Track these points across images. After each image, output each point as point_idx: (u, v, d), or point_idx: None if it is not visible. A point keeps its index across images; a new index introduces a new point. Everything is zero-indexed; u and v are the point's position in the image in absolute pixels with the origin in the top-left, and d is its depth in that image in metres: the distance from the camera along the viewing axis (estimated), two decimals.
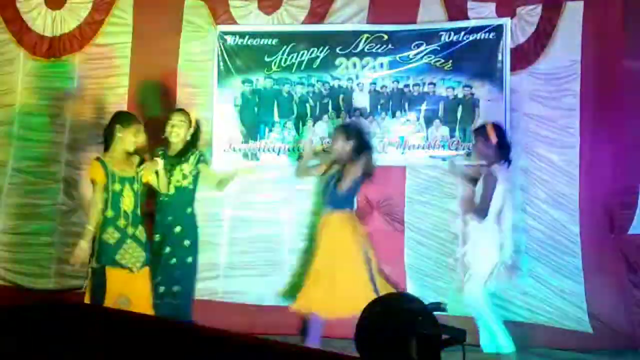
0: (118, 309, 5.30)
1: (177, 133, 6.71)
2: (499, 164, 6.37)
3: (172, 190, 6.60)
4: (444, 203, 7.14)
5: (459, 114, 7.08)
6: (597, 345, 6.56)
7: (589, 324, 6.75)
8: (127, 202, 6.10)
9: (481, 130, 6.55)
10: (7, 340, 1.85)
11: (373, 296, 4.93)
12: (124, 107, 7.51)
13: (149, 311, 5.96)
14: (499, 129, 6.52)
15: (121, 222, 6.04)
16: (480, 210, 6.29)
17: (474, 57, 7.05)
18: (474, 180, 6.54)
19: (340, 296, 6.23)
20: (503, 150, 6.45)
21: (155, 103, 7.51)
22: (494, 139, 6.42)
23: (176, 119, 6.75)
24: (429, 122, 7.13)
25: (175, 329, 2.09)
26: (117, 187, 6.07)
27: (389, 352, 3.02)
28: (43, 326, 1.87)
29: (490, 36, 7.03)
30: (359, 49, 7.23)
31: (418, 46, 7.14)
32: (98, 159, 6.12)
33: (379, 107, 7.20)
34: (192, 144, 6.78)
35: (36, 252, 7.62)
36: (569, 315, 6.80)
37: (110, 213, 6.02)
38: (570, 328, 6.76)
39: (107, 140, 6.19)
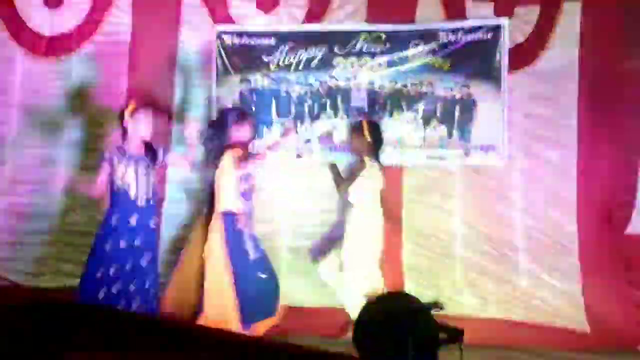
0: (113, 308, 5.28)
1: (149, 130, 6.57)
2: (370, 161, 6.46)
3: None
4: (441, 203, 7.15)
5: (456, 114, 7.09)
6: (595, 345, 6.56)
7: (586, 323, 6.76)
8: None
9: (357, 127, 6.60)
10: (4, 340, 1.85)
11: None
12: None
13: None
14: (374, 127, 6.60)
15: None
16: (342, 182, 6.46)
17: (472, 57, 7.06)
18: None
19: None
20: (376, 149, 6.59)
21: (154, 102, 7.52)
22: (368, 136, 6.50)
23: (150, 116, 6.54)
24: (426, 122, 7.13)
25: (171, 328, 2.09)
26: None
27: (387, 351, 3.04)
28: (40, 325, 1.87)
29: (489, 36, 7.03)
30: (357, 49, 7.24)
31: (416, 46, 7.15)
32: None
33: (376, 106, 7.20)
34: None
35: (34, 251, 7.63)
36: (566, 315, 6.81)
37: None
38: (567, 327, 6.76)
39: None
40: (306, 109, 7.30)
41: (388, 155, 7.04)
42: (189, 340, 1.99)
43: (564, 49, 6.99)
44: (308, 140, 7.24)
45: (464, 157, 7.03)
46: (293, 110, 7.31)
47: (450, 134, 7.08)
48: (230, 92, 7.35)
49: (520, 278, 6.96)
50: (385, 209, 6.59)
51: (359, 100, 7.22)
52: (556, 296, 6.87)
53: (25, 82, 7.75)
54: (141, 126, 6.34)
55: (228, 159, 6.16)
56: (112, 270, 6.09)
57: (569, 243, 6.90)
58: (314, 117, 7.28)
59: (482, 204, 7.10)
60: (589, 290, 6.79)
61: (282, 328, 6.24)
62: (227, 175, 6.16)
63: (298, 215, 7.31)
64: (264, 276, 6.12)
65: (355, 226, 6.39)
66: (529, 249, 6.97)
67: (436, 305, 4.45)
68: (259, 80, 7.36)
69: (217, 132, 6.34)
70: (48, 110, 7.68)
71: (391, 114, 7.15)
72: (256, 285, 6.07)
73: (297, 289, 6.92)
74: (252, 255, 6.11)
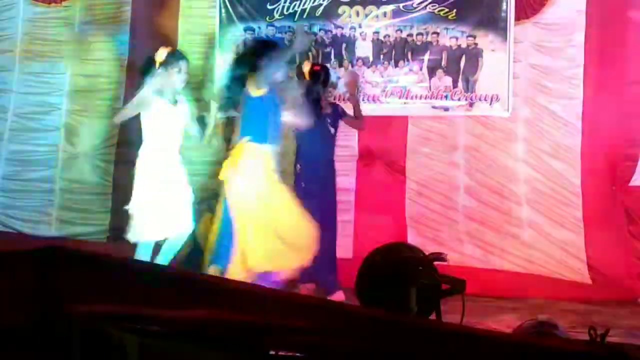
0: (123, 258, 5.26)
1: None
2: None
3: None
4: (445, 154, 7.14)
5: (462, 64, 7.04)
6: (596, 296, 6.59)
7: (588, 275, 6.78)
8: None
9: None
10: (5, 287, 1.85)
11: None
12: (125, 56, 7.51)
13: None
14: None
15: None
16: None
17: (478, 7, 6.99)
18: None
19: None
20: None
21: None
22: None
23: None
24: (432, 72, 7.09)
25: (178, 278, 2.09)
26: None
27: (389, 301, 3.05)
28: (41, 273, 1.87)
29: None
30: None
31: None
32: None
33: (381, 56, 7.16)
34: None
35: (37, 199, 7.66)
36: (568, 266, 6.83)
37: None
38: (570, 279, 6.79)
39: None
40: (310, 58, 7.24)
41: (392, 105, 7.02)
42: (195, 288, 1.98)
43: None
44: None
45: (468, 107, 7.01)
46: (297, 59, 7.25)
47: (455, 84, 7.04)
48: (233, 41, 7.30)
49: (523, 230, 6.97)
50: (389, 160, 6.58)
51: (364, 50, 7.17)
52: (558, 248, 6.88)
53: (27, 29, 7.70)
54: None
55: None
56: None
57: (572, 195, 6.89)
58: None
59: (485, 156, 7.08)
60: (592, 242, 6.81)
61: None
62: None
63: None
64: None
65: None
66: (532, 200, 6.97)
67: (439, 256, 4.46)
68: (262, 29, 7.31)
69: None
70: (50, 57, 7.66)
71: (396, 64, 7.10)
72: None
73: None
74: None
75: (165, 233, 5.95)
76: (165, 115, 5.92)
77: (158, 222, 5.90)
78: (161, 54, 5.96)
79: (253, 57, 5.84)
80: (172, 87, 5.98)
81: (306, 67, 6.53)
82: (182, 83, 6.04)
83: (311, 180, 6.39)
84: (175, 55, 6.06)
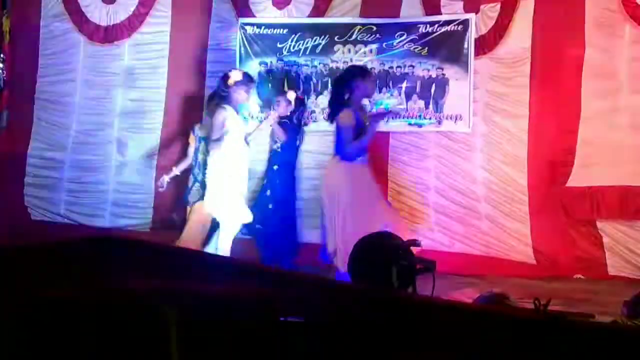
0: (163, 244, 5.26)
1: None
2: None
3: None
4: (419, 162, 7.13)
5: (432, 90, 7.03)
6: (540, 274, 6.58)
7: (533, 256, 6.77)
8: None
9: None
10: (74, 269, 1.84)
11: None
12: (164, 84, 7.51)
13: None
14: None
15: None
16: None
17: (445, 45, 6.97)
18: None
19: None
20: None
21: (189, 80, 7.51)
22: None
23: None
24: (408, 96, 7.07)
25: (201, 259, 2.08)
26: None
27: (376, 279, 3.04)
28: (104, 257, 1.86)
29: (459, 28, 6.95)
30: (353, 38, 7.16)
31: (400, 36, 7.07)
32: None
33: None
34: None
35: (94, 198, 7.66)
36: (517, 251, 6.82)
37: None
38: (518, 260, 6.78)
39: None
40: (312, 87, 7.25)
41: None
42: (244, 275, 1.97)
43: (519, 39, 6.91)
44: (313, 112, 7.21)
45: (437, 124, 7.00)
46: (301, 86, 7.25)
47: (427, 106, 7.03)
48: (250, 73, 7.27)
49: (481, 221, 6.96)
50: (374, 167, 6.55)
51: None
52: (510, 236, 6.87)
53: (85, 63, 7.70)
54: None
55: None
56: None
57: (520, 194, 6.88)
58: (318, 93, 7.23)
59: (451, 162, 7.07)
60: (536, 231, 6.79)
61: None
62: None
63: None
64: None
65: None
66: (489, 198, 6.96)
67: (414, 242, 4.45)
68: (273, 62, 7.30)
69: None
70: (105, 86, 7.67)
71: (380, 90, 7.08)
72: None
73: None
74: None
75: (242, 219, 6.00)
76: (239, 126, 6.08)
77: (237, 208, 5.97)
78: (237, 75, 6.10)
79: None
80: (243, 102, 6.17)
81: (292, 96, 6.60)
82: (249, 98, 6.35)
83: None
84: (248, 77, 6.27)
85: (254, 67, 7.27)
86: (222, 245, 5.94)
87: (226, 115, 5.98)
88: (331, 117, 5.87)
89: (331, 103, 5.98)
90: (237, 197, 6.06)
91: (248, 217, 6.13)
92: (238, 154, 6.07)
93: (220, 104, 6.04)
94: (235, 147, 6.03)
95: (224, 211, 6.00)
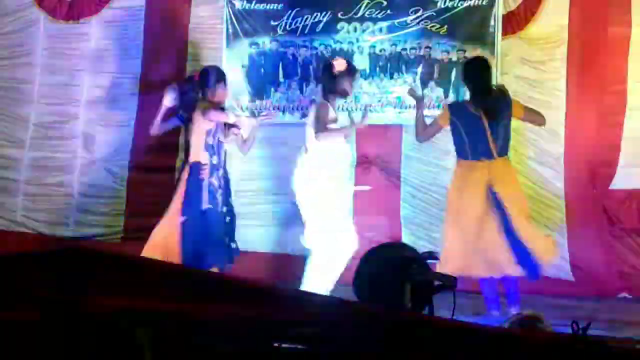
0: (136, 257, 5.28)
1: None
2: None
3: None
4: (437, 159, 7.13)
5: (452, 77, 7.04)
6: (578, 292, 6.59)
7: (571, 272, 6.77)
8: None
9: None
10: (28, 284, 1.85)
11: None
12: (138, 69, 7.51)
13: None
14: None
15: None
16: None
17: (467, 23, 6.99)
18: None
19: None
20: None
21: (168, 64, 7.51)
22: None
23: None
24: (424, 83, 7.09)
25: (187, 275, 2.09)
26: None
27: (385, 297, 3.05)
28: (60, 271, 1.87)
29: (484, 2, 6.96)
30: (359, 14, 7.17)
31: (415, 12, 7.08)
32: None
33: (377, 69, 7.15)
34: None
35: (56, 203, 7.66)
36: (552, 265, 6.81)
37: None
38: (553, 276, 6.77)
39: None
40: (311, 71, 7.25)
41: (388, 115, 7.04)
42: (214, 288, 1.98)
43: (553, 16, 6.92)
44: (313, 101, 7.21)
45: None
46: (299, 72, 7.27)
47: (446, 95, 7.04)
48: (239, 56, 7.30)
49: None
50: (385, 166, 6.58)
51: (361, 63, 7.16)
52: None
53: (46, 44, 7.70)
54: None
55: (197, 112, 6.06)
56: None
57: (555, 198, 6.88)
58: (319, 79, 7.23)
59: None
60: (574, 242, 6.79)
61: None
62: (196, 128, 6.07)
63: None
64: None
65: None
66: None
67: (431, 255, 4.46)
68: (267, 43, 7.31)
69: (194, 87, 6.23)
70: (69, 70, 7.67)
71: (391, 76, 7.10)
72: (203, 235, 5.99)
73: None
74: (204, 205, 6.02)
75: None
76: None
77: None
78: (341, 64, 6.20)
79: None
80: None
81: None
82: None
83: None
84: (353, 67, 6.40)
85: (243, 48, 7.28)
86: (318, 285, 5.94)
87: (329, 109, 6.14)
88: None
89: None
90: (344, 213, 6.15)
91: (354, 244, 6.16)
92: (343, 154, 6.21)
93: (325, 96, 6.20)
94: (337, 147, 6.16)
95: (326, 236, 6.05)
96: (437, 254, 5.31)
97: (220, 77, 6.30)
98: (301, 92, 7.22)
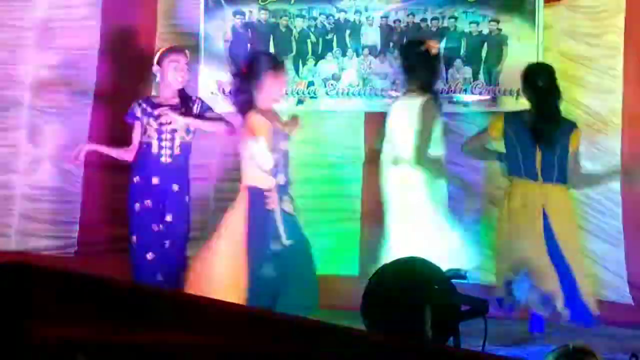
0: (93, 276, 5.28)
1: (182, 77, 6.37)
2: None
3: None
4: (464, 156, 7.13)
5: (483, 54, 7.06)
6: (638, 319, 6.60)
7: (630, 294, 6.78)
8: None
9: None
10: None
11: None
12: (96, 44, 7.52)
13: None
14: None
15: None
16: None
17: None
18: None
19: None
20: None
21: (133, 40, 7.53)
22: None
23: (182, 61, 6.37)
24: (449, 62, 7.08)
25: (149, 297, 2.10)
26: None
27: (400, 323, 3.05)
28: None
29: None
30: None
31: None
32: None
33: (391, 44, 7.16)
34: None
35: None
36: (606, 285, 6.82)
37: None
38: (608, 299, 6.78)
39: None
40: (309, 47, 7.27)
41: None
42: (166, 306, 1.99)
43: None
44: (311, 84, 7.22)
45: (491, 103, 7.01)
46: (294, 48, 7.27)
47: (476, 76, 7.05)
48: (221, 28, 7.30)
49: None
50: None
51: (371, 37, 7.17)
52: (595, 263, 6.87)
53: None
54: (171, 73, 6.27)
55: (257, 123, 5.82)
56: (139, 235, 6.16)
57: (610, 203, 6.89)
58: (319, 57, 7.25)
59: None
60: (633, 257, 6.81)
61: None
62: (255, 142, 5.78)
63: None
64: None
65: None
66: None
67: (458, 273, 4.45)
68: (254, 13, 7.32)
69: (244, 83, 6.00)
70: (11, 45, 7.69)
71: None
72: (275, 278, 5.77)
73: None
74: (284, 242, 5.77)
75: None
76: None
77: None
78: None
79: None
80: None
81: None
82: None
83: None
84: None
85: (227, 19, 7.29)
86: None
87: None
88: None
89: None
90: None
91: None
92: None
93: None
94: None
95: None
96: (465, 272, 5.31)
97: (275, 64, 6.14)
98: (297, 72, 7.21)
